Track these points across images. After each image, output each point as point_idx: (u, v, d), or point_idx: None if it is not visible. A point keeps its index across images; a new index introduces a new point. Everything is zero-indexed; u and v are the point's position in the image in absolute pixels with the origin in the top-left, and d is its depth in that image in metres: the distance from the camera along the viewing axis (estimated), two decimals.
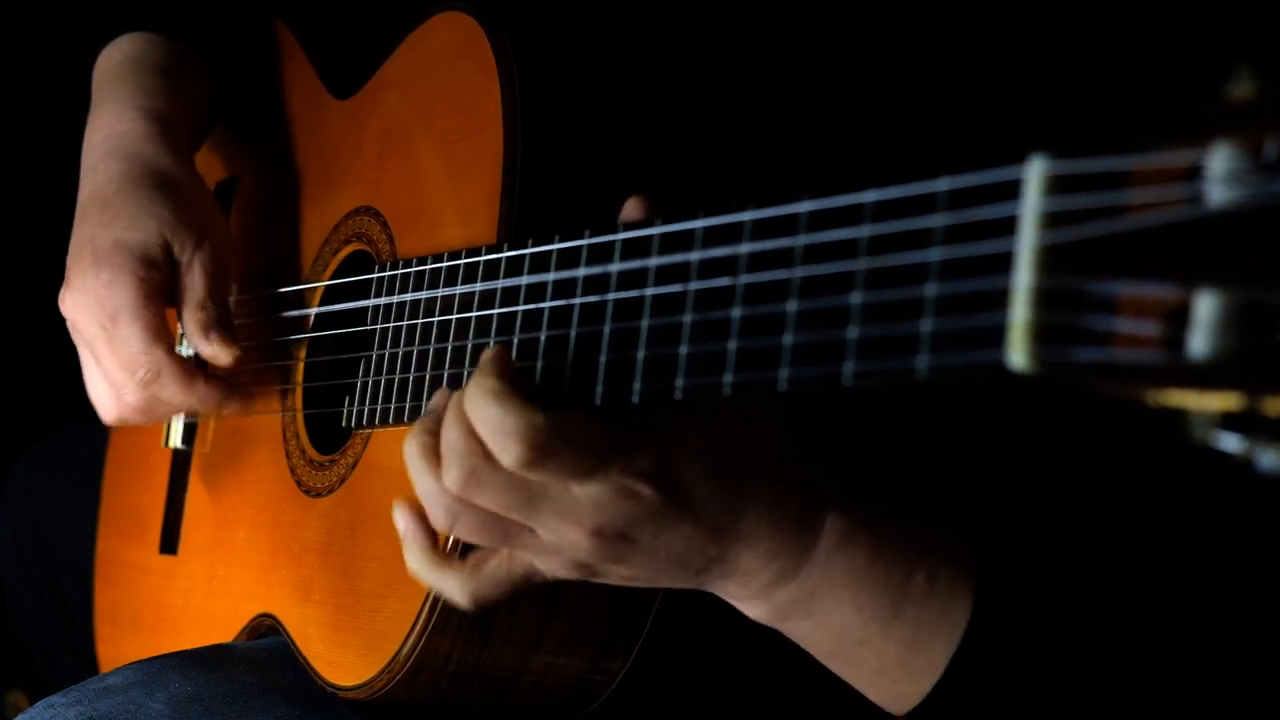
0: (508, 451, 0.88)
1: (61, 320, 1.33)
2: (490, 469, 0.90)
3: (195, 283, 1.31)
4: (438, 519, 0.94)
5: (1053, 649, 0.96)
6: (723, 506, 0.92)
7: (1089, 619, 0.96)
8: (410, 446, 0.95)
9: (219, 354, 1.31)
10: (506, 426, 0.88)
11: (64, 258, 1.34)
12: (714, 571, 0.95)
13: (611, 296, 0.93)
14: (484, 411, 0.89)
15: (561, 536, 0.92)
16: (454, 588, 0.98)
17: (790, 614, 0.97)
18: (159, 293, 1.30)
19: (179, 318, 1.34)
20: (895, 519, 0.97)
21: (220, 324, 1.32)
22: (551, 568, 0.95)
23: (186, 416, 1.50)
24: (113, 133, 1.36)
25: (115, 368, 1.30)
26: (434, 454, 0.93)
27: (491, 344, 1.01)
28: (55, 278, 1.34)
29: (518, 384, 0.90)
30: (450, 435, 0.91)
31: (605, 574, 0.95)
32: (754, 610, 0.98)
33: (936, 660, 0.95)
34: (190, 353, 1.48)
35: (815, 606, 0.96)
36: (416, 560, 0.99)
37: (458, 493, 0.92)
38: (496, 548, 0.96)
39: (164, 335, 1.29)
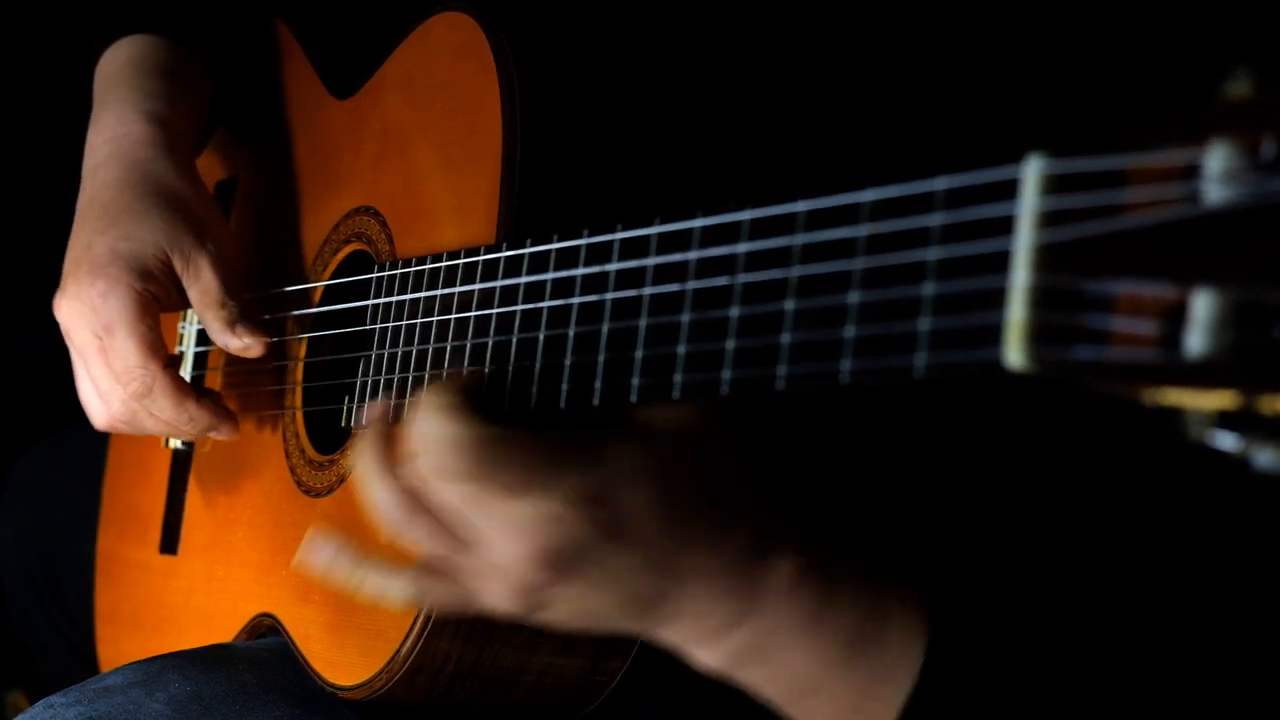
0: (447, 465, 0.89)
1: None
2: (436, 484, 0.91)
3: (209, 284, 1.31)
4: (388, 525, 0.94)
5: (1010, 687, 0.94)
6: (669, 539, 0.90)
7: (1063, 638, 0.95)
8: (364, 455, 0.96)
9: (251, 346, 1.32)
10: (448, 438, 0.88)
11: (65, 258, 1.34)
12: (663, 610, 0.92)
13: (610, 296, 0.93)
14: (427, 424, 0.90)
15: (502, 555, 0.90)
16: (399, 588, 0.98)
17: (744, 661, 0.94)
18: (154, 304, 1.30)
19: (201, 322, 1.34)
20: (848, 563, 0.94)
21: (245, 318, 1.32)
22: (495, 596, 0.93)
23: (178, 440, 1.50)
24: (114, 135, 1.37)
25: (105, 377, 1.30)
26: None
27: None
28: (56, 278, 1.34)
29: (468, 398, 0.91)
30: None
31: (549, 605, 0.93)
32: (707, 656, 0.95)
33: (891, 705, 0.93)
34: (190, 354, 1.48)
35: (769, 652, 0.93)
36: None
37: (405, 511, 0.93)
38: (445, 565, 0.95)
39: (159, 350, 1.29)
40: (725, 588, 0.92)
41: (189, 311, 1.50)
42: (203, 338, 1.49)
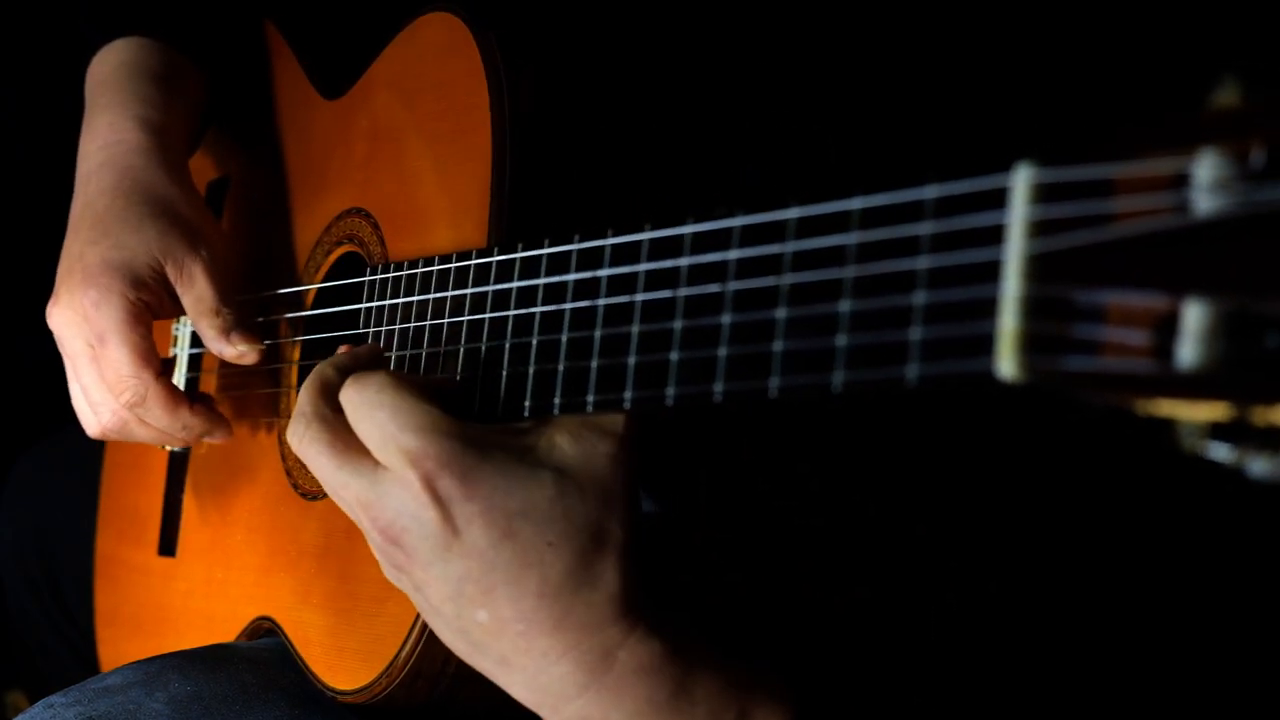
0: (354, 387, 0.93)
1: None
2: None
3: (203, 292, 1.31)
4: (289, 431, 0.98)
5: None
6: (507, 569, 0.89)
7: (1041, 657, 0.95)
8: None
9: (246, 353, 1.32)
10: (372, 382, 0.93)
11: (58, 265, 1.34)
12: (489, 652, 0.92)
13: (601, 302, 0.92)
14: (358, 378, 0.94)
15: (355, 509, 0.94)
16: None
17: None
18: (147, 313, 1.30)
19: (195, 329, 1.34)
20: (709, 650, 0.92)
21: (240, 325, 1.32)
22: (374, 548, 0.96)
23: (170, 447, 1.50)
24: (107, 142, 1.36)
25: (97, 387, 1.30)
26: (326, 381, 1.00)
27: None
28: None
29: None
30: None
31: (398, 581, 0.95)
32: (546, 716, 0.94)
33: None
34: (184, 357, 1.48)
35: None
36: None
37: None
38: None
39: (152, 358, 1.29)
40: (563, 646, 0.90)
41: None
42: (197, 340, 1.49)
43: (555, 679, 0.91)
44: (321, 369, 1.00)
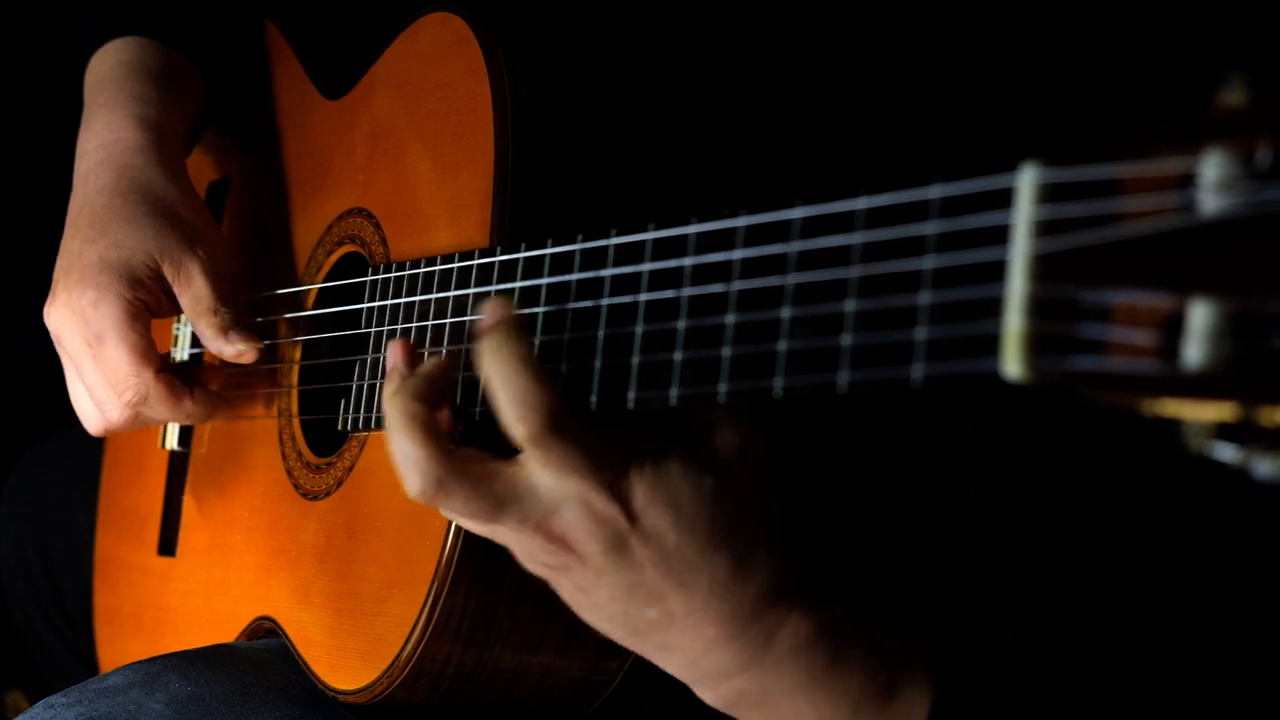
0: (525, 423, 0.87)
1: None
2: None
3: (200, 291, 1.31)
4: (412, 485, 0.92)
5: None
6: (664, 574, 0.90)
7: (1064, 664, 0.95)
8: (395, 407, 0.94)
9: (244, 352, 1.32)
10: (530, 399, 0.88)
11: (55, 264, 1.34)
12: (651, 638, 0.93)
13: (605, 302, 0.92)
14: (514, 381, 0.88)
15: (514, 530, 0.92)
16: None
17: (744, 705, 0.95)
18: (144, 312, 1.30)
19: (193, 328, 1.34)
20: (858, 621, 0.94)
21: (238, 324, 1.32)
22: (520, 552, 0.94)
23: (174, 442, 1.50)
24: (105, 141, 1.36)
25: (100, 385, 1.30)
26: (421, 421, 0.92)
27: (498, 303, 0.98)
28: None
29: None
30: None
31: (558, 585, 0.94)
32: (706, 694, 0.96)
33: None
34: (185, 357, 1.48)
35: (770, 703, 0.94)
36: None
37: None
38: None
39: (151, 356, 1.30)
40: (728, 635, 0.92)
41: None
42: (198, 340, 1.49)
43: (717, 662, 0.93)
44: (415, 411, 0.93)
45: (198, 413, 1.34)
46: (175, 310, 1.34)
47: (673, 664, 0.95)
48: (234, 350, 1.32)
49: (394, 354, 0.99)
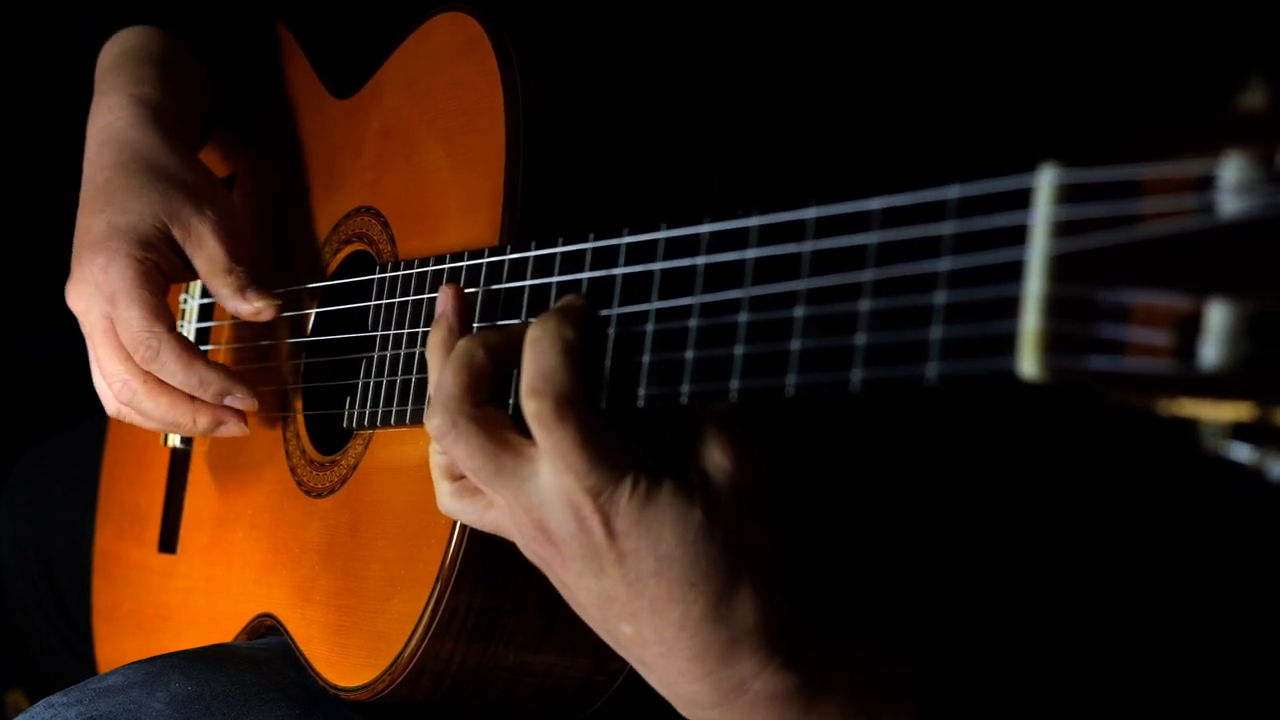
0: (539, 395, 0.88)
1: (64, 319, 1.34)
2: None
3: (213, 251, 1.31)
4: (433, 415, 0.94)
5: None
6: (652, 601, 0.90)
7: (1065, 668, 0.95)
8: (441, 332, 0.99)
9: (262, 309, 1.31)
10: (553, 375, 0.89)
11: (66, 257, 1.34)
12: (630, 653, 0.94)
13: (616, 300, 0.92)
14: (547, 354, 0.89)
15: (507, 500, 0.93)
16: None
17: None
18: (156, 272, 1.30)
19: (209, 291, 1.34)
20: (839, 665, 0.93)
21: (255, 281, 1.32)
22: (512, 532, 0.95)
23: (176, 439, 1.50)
24: (106, 123, 1.37)
25: (109, 358, 1.29)
26: (467, 352, 0.95)
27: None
28: (58, 277, 1.34)
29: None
30: (484, 357, 0.94)
31: (550, 576, 0.95)
32: (683, 713, 0.96)
33: None
34: (190, 333, 1.48)
35: None
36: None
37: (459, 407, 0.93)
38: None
39: (164, 314, 1.29)
40: (699, 671, 0.91)
41: (191, 285, 1.50)
42: (204, 314, 1.49)
43: (691, 692, 0.93)
44: (471, 350, 0.95)
45: (211, 379, 1.30)
46: (189, 274, 1.33)
47: (651, 680, 0.95)
48: (251, 309, 1.31)
49: (445, 299, 1.01)
